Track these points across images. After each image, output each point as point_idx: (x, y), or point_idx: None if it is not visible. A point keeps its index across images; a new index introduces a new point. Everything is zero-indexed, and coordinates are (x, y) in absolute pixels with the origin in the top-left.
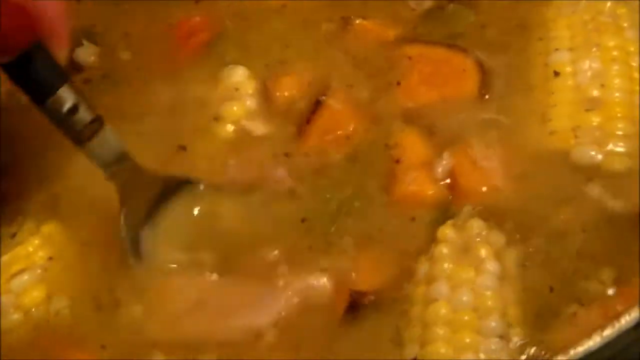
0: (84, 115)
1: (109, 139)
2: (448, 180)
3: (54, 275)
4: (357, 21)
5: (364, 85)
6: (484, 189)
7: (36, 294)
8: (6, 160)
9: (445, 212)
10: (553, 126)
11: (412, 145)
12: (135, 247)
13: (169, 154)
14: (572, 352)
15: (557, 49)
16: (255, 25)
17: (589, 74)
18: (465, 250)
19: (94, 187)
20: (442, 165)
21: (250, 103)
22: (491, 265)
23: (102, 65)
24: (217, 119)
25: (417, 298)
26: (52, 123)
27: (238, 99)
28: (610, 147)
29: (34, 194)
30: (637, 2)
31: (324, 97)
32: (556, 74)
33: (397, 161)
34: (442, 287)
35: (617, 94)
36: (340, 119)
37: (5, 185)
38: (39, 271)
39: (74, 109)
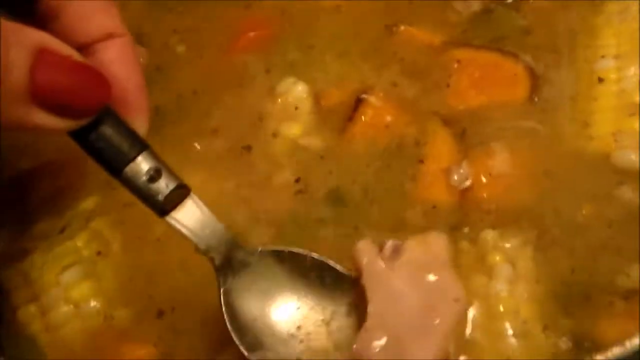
0: (167, 183)
1: (197, 209)
2: (467, 183)
3: (102, 271)
4: (402, 27)
5: (410, 85)
6: (500, 195)
7: (84, 288)
8: (66, 156)
9: (460, 215)
10: (593, 131)
11: (440, 147)
12: (242, 336)
13: (235, 151)
14: (627, 344)
15: (603, 56)
16: (308, 29)
17: (634, 80)
18: (481, 260)
19: None
20: (460, 174)
21: (308, 120)
22: (503, 269)
23: (154, 61)
24: (276, 135)
25: None
26: (132, 193)
27: (298, 119)
28: None
29: (87, 191)
30: None
31: (365, 95)
32: (600, 80)
33: (421, 161)
34: None
35: None
36: (381, 114)
37: (61, 181)
38: (87, 265)
39: (154, 177)
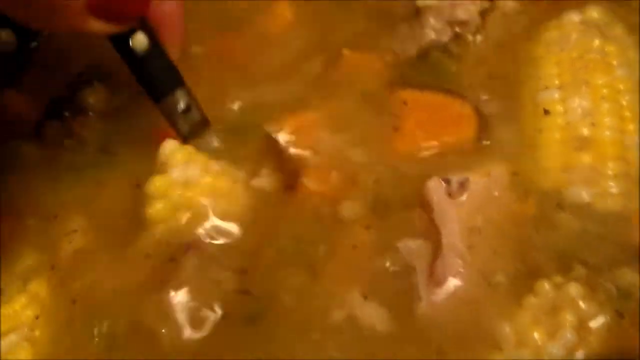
0: (195, 115)
1: (213, 140)
2: None
3: (41, 336)
4: (346, 52)
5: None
6: None
7: (23, 356)
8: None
9: None
10: (543, 165)
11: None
12: None
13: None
14: None
15: (546, 87)
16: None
17: (579, 111)
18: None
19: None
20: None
21: None
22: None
23: None
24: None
25: None
26: (165, 119)
27: None
28: (601, 187)
29: (25, 248)
30: (629, 39)
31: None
32: (546, 112)
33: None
34: (509, 337)
35: (607, 133)
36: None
37: None
38: (26, 331)
39: (187, 110)
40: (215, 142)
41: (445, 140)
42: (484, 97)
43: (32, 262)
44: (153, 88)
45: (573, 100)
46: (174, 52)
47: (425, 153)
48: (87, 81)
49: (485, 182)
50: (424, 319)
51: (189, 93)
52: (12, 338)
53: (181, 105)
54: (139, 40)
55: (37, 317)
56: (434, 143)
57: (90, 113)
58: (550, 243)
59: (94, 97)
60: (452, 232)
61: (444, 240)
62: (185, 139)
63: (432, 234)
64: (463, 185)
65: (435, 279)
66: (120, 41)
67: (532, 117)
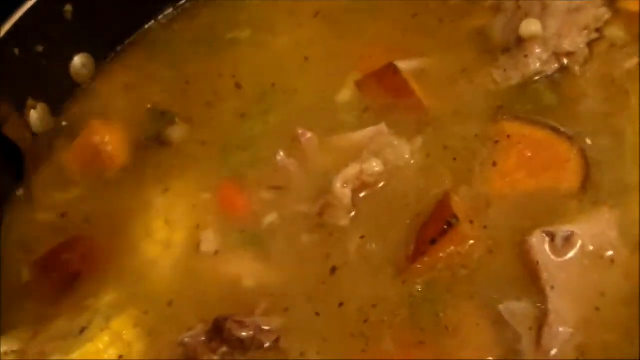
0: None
1: None
2: None
3: None
4: None
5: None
6: None
7: None
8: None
9: None
10: None
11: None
12: None
13: None
14: None
15: None
16: None
17: None
18: None
19: (167, 286)
20: None
21: None
22: None
23: None
24: None
25: None
26: None
27: None
28: None
29: (108, 281)
30: None
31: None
32: None
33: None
34: None
35: None
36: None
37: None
38: None
39: None
40: None
41: (546, 183)
42: (588, 134)
43: (116, 297)
44: None
45: None
46: None
47: (523, 194)
48: None
49: (593, 235)
50: None
51: None
52: None
53: None
54: None
55: (120, 357)
56: (534, 184)
57: None
58: None
59: None
60: (560, 298)
61: (551, 307)
62: None
63: (538, 295)
64: (569, 241)
65: (543, 350)
66: None
67: None
